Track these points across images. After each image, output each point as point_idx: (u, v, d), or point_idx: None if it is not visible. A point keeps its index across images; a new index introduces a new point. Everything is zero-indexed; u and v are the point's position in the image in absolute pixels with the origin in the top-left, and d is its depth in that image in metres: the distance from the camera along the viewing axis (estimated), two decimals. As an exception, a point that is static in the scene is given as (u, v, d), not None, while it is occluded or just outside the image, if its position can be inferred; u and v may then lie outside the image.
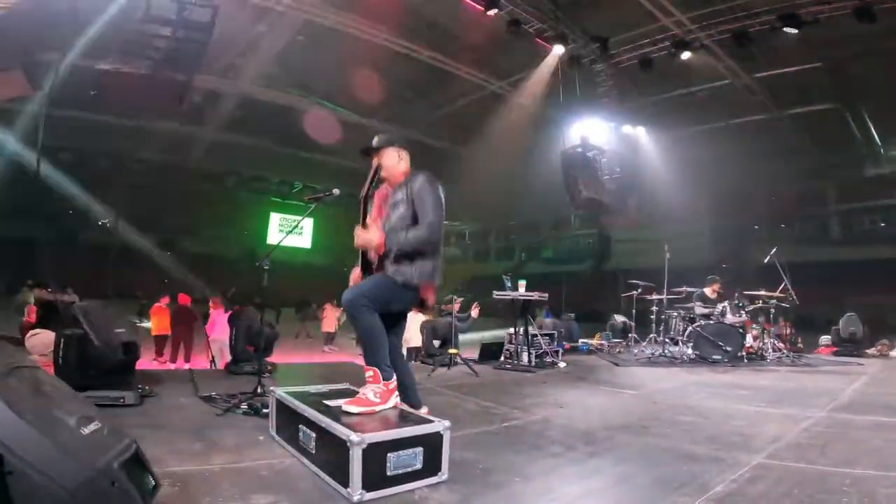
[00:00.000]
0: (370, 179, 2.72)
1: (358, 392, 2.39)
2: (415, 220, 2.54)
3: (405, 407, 2.40)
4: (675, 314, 6.76)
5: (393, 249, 2.50)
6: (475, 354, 6.08)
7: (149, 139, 18.33)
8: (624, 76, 12.80)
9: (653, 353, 6.62)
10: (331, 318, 12.98)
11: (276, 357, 5.11)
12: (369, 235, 2.55)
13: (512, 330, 5.83)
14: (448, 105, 16.64)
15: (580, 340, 8.06)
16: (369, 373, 2.35)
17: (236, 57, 13.89)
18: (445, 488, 2.01)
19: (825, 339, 8.11)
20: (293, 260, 28.79)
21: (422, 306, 2.73)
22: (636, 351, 7.16)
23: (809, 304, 14.61)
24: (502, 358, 5.92)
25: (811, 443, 2.69)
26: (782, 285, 6.37)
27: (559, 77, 12.77)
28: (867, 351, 7.20)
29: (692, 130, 17.01)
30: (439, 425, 2.07)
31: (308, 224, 29.11)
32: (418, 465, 1.98)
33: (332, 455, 1.98)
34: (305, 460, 2.19)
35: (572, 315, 9.62)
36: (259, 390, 3.26)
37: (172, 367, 8.29)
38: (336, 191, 3.37)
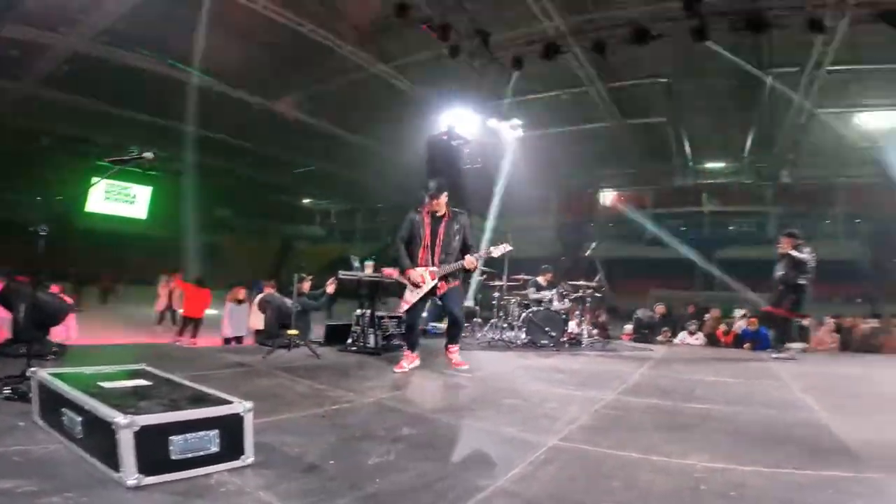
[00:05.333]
0: (430, 213, 4.51)
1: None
2: (464, 245, 4.57)
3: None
4: (514, 301, 7.36)
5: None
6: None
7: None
8: (497, 72, 13.40)
9: (492, 338, 7.13)
10: (164, 295, 11.44)
11: (88, 338, 4.40)
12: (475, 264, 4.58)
13: (359, 311, 5.78)
14: (326, 82, 15.83)
15: (429, 324, 8.31)
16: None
17: (78, 12, 11.96)
18: (251, 472, 1.95)
19: (628, 326, 9.58)
20: (124, 230, 25.13)
21: None
22: (479, 335, 7.62)
23: (623, 294, 17.24)
24: (349, 340, 5.85)
25: (598, 425, 3.03)
26: (597, 277, 7.31)
27: (438, 65, 12.95)
28: (657, 338, 8.70)
29: (551, 131, 18.63)
30: (239, 407, 2.02)
31: (144, 193, 25.84)
32: (214, 449, 1.91)
33: (100, 439, 1.82)
34: (73, 445, 2.00)
35: (424, 299, 9.86)
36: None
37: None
38: (149, 154, 3.00)
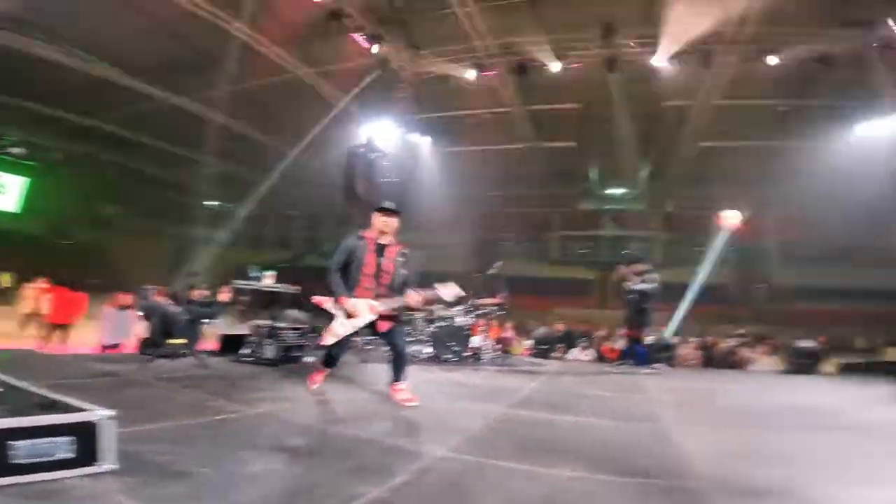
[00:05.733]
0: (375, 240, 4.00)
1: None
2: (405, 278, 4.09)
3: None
4: (420, 315, 7.48)
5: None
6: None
7: None
8: (422, 87, 13.64)
9: (397, 352, 7.16)
10: (31, 298, 10.02)
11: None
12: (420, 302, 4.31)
13: (257, 322, 5.58)
14: (243, 81, 15.12)
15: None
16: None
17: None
18: (111, 477, 1.94)
19: (528, 342, 10.10)
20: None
21: None
22: (385, 349, 7.58)
23: (526, 311, 18.06)
24: (246, 351, 5.60)
25: (486, 437, 3.19)
26: (501, 294, 7.66)
27: (364, 75, 12.93)
28: (553, 354, 9.25)
29: (471, 149, 19.27)
30: (94, 414, 2.02)
31: (17, 183, 22.92)
32: (68, 455, 1.93)
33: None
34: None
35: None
36: None
37: None
38: (18, 150, 2.71)
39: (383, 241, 4.00)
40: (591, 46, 10.98)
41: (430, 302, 4.90)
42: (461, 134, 18.04)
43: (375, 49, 11.61)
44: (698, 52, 10.49)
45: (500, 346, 8.26)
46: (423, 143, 14.68)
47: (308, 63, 14.01)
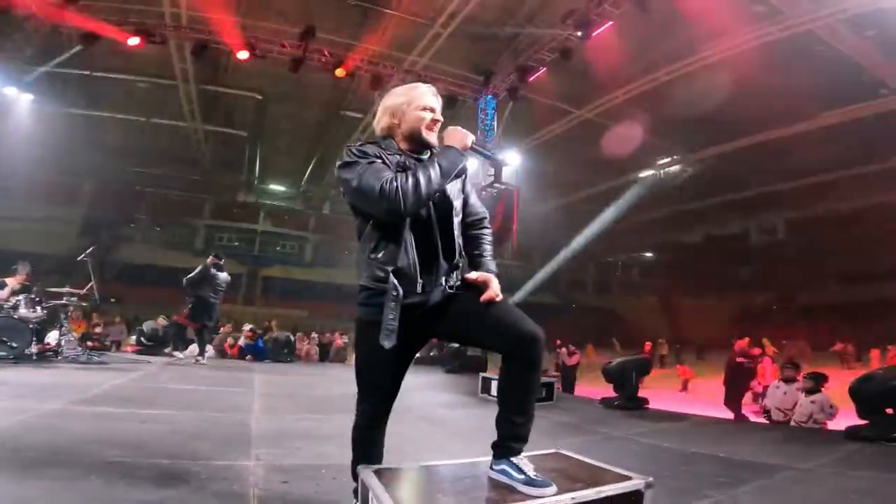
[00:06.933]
0: None
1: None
2: None
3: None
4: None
5: None
6: None
7: None
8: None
9: None
10: None
11: None
12: None
13: None
14: None
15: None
16: None
17: None
18: None
19: (133, 338, 8.86)
20: None
21: None
22: None
23: (145, 303, 15.84)
24: None
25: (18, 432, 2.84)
26: (89, 285, 6.49)
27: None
28: (165, 351, 8.32)
29: (97, 115, 15.68)
30: None
31: None
32: None
33: None
34: None
35: None
36: None
37: None
38: None
39: None
40: (286, 42, 10.79)
41: None
42: (102, 98, 14.76)
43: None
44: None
45: (89, 342, 6.95)
46: (23, 100, 11.25)
47: None
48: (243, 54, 10.61)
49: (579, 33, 9.45)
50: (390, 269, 1.68)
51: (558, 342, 12.76)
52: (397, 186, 1.59)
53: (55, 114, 13.68)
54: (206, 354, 7.54)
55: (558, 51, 10.26)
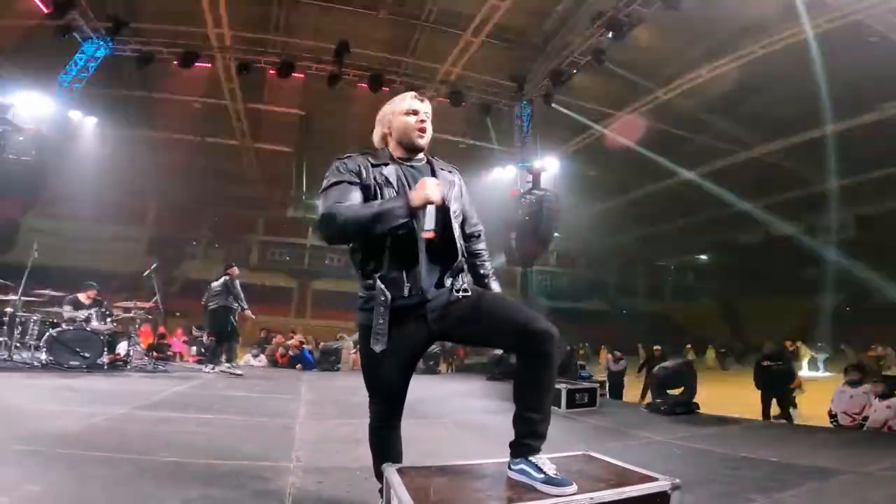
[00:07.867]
0: None
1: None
2: None
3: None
4: (35, 318, 6.14)
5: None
6: None
7: None
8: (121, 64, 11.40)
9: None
10: None
11: None
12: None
13: None
14: None
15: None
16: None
17: None
18: None
19: (193, 349, 9.40)
20: None
21: None
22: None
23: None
24: None
25: (86, 436, 3.09)
26: (154, 298, 6.98)
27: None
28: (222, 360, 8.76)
29: (156, 136, 16.81)
30: None
31: None
32: None
33: None
34: None
35: None
36: None
37: None
38: None
39: None
40: (323, 58, 11.25)
41: None
42: (159, 118, 15.83)
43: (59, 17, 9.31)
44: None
45: (155, 352, 7.45)
46: (87, 123, 12.12)
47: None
48: (282, 72, 11.16)
49: (611, 34, 9.33)
50: (377, 275, 1.75)
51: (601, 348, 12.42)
52: (333, 214, 1.72)
53: (117, 136, 14.47)
54: (236, 363, 7.64)
55: (591, 53, 10.16)
